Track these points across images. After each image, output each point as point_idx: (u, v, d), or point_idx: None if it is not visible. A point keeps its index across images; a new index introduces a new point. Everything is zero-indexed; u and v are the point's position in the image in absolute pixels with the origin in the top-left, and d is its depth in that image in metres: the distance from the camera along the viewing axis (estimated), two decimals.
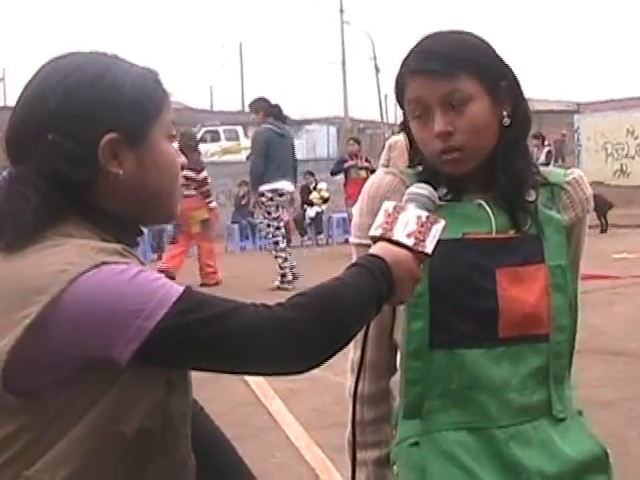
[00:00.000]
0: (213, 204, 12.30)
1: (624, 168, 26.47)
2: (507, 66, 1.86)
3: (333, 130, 37.32)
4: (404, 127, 1.92)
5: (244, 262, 16.56)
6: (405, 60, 1.83)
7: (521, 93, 1.88)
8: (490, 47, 1.85)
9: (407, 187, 1.82)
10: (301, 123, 39.28)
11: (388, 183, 1.90)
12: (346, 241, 18.50)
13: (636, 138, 26.71)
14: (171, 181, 1.62)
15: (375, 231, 1.65)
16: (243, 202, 21.53)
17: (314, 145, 36.24)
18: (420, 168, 1.91)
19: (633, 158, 26.77)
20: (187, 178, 11.39)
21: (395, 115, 38.81)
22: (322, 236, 20.96)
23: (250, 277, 12.64)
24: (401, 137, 1.93)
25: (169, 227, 13.64)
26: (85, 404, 1.44)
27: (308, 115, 40.82)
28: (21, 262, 1.45)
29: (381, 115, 37.76)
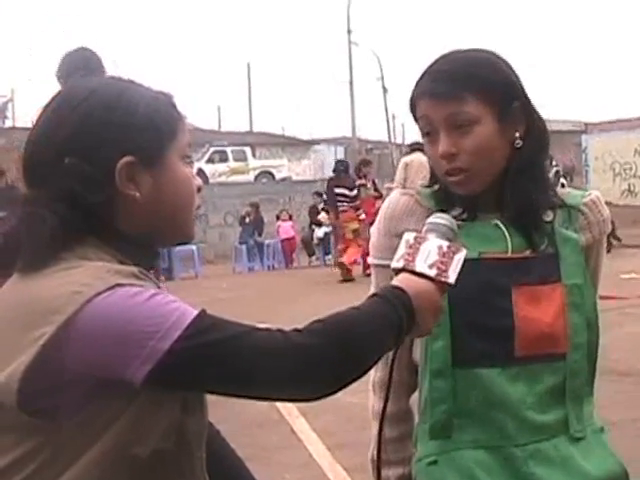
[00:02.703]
0: (362, 216, 15.06)
1: (632, 188, 26.42)
2: (521, 87, 1.86)
3: (341, 150, 37.29)
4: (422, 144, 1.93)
5: (251, 283, 16.56)
6: (417, 80, 1.85)
7: (536, 114, 1.88)
8: (504, 67, 1.85)
9: (423, 207, 1.87)
10: (309, 143, 39.34)
11: (404, 204, 1.91)
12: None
13: None
14: (187, 202, 1.62)
15: (397, 263, 1.65)
16: (247, 221, 21.65)
17: (322, 165, 36.25)
18: (436, 187, 1.93)
19: None
20: (343, 195, 14.89)
21: (403, 135, 38.83)
22: (330, 257, 20.94)
23: (255, 298, 12.65)
24: (415, 156, 1.94)
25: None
26: (100, 426, 1.44)
27: (316, 135, 40.89)
28: (37, 283, 1.46)
29: (389, 135, 37.70)
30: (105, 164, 1.52)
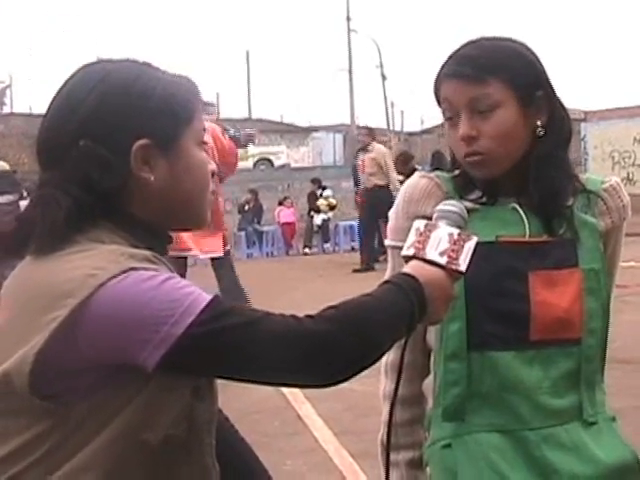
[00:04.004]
0: None
1: (631, 176, 26.37)
2: (546, 77, 1.87)
3: (339, 137, 37.25)
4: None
5: (250, 270, 16.54)
6: (443, 63, 1.86)
7: (560, 106, 1.88)
8: (530, 56, 1.86)
9: (442, 191, 1.88)
10: (308, 130, 39.29)
11: (423, 187, 1.91)
12: (353, 249, 18.56)
13: None
14: (202, 187, 1.62)
15: (407, 251, 1.65)
16: (246, 208, 21.67)
17: (320, 152, 36.22)
18: (457, 171, 1.93)
19: None
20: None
21: (402, 123, 38.80)
22: (329, 244, 20.94)
23: (254, 285, 12.64)
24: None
25: None
26: (111, 411, 1.44)
27: (315, 122, 40.81)
28: (50, 266, 1.46)
29: (387, 123, 37.64)
30: (120, 147, 1.51)
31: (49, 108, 1.57)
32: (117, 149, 1.51)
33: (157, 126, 1.54)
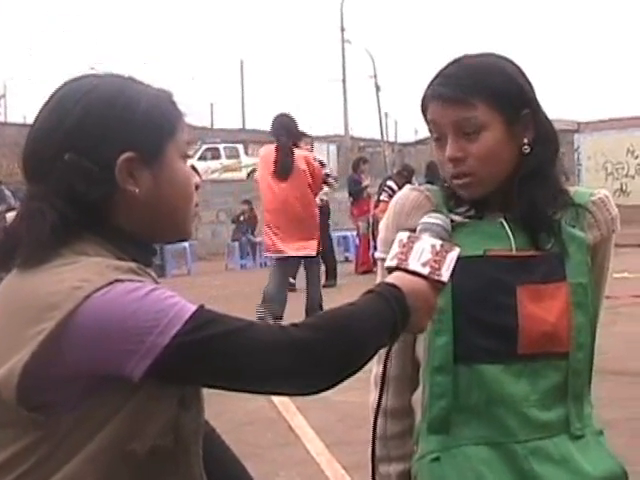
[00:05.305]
0: None
1: (624, 187, 26.49)
2: (532, 94, 1.86)
3: (333, 148, 37.27)
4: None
5: (243, 280, 16.55)
6: (429, 83, 1.86)
7: (546, 122, 1.88)
8: (516, 74, 1.85)
9: (432, 203, 1.88)
10: None
11: (413, 200, 1.92)
12: (346, 259, 18.56)
13: (636, 157, 26.77)
14: (186, 200, 1.63)
15: (391, 262, 1.67)
16: (242, 219, 21.65)
17: None
18: (446, 185, 1.92)
19: (633, 178, 26.82)
20: (390, 188, 14.76)
21: (395, 133, 38.87)
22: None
23: (247, 295, 12.64)
24: None
25: None
26: (98, 421, 1.44)
27: (308, 133, 40.91)
28: (36, 279, 1.46)
29: (381, 134, 37.70)
30: (105, 160, 1.52)
31: (35, 121, 1.58)
32: (102, 162, 1.52)
33: (142, 139, 1.55)
